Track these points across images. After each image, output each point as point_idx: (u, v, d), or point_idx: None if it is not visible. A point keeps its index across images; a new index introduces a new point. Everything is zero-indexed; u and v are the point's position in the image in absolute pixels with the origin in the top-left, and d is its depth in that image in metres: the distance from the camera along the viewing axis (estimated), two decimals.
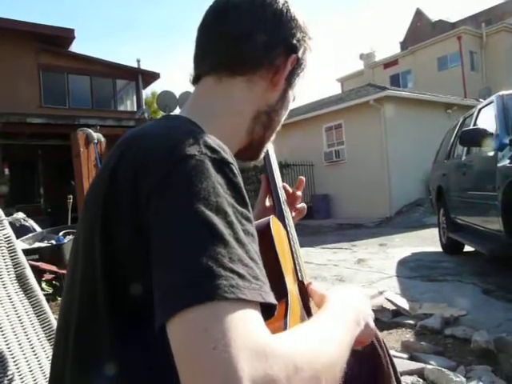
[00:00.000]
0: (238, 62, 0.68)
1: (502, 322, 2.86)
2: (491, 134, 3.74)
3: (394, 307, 3.09)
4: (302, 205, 0.98)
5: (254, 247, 0.47)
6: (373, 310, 0.79)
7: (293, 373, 0.38)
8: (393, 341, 2.55)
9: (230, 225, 0.45)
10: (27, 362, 0.77)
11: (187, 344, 0.38)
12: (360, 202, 11.42)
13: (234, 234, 0.45)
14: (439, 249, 5.71)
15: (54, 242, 4.52)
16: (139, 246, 0.49)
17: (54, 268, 3.88)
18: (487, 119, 4.20)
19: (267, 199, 0.96)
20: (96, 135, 6.25)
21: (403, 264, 5.07)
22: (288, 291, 0.61)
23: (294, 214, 0.95)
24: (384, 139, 11.15)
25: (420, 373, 2.01)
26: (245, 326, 0.38)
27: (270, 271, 0.50)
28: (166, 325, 0.40)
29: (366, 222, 10.37)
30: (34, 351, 0.79)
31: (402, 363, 2.06)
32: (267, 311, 0.43)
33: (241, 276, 0.41)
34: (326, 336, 0.47)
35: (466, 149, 4.72)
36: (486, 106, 4.45)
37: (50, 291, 3.72)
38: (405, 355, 2.28)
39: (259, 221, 0.69)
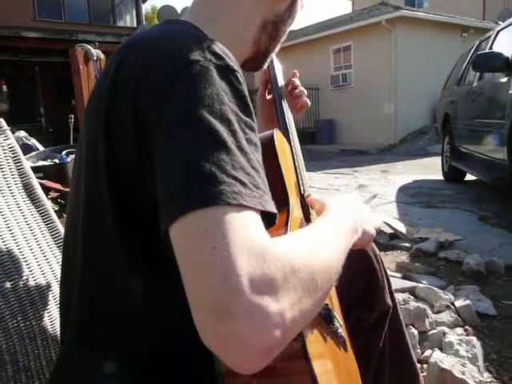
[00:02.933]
0: None
1: (494, 247, 2.96)
2: (507, 58, 3.58)
3: (391, 230, 3.18)
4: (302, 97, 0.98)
5: (256, 157, 0.46)
6: None
7: (290, 273, 0.39)
8: (388, 262, 2.66)
9: (233, 133, 0.45)
10: (39, 265, 0.81)
11: (188, 244, 0.39)
12: (365, 128, 11.29)
13: (237, 142, 0.45)
14: (441, 177, 5.75)
15: (57, 160, 4.55)
16: (142, 152, 0.49)
17: (58, 186, 3.94)
18: (505, 43, 4.00)
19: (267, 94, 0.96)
20: (95, 52, 6.02)
21: (403, 190, 5.13)
22: (290, 202, 0.62)
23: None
24: (394, 63, 10.73)
25: (412, 291, 2.11)
26: (245, 229, 0.39)
27: (273, 182, 0.50)
28: (169, 229, 0.41)
29: (369, 149, 10.33)
30: (44, 256, 0.83)
31: (396, 282, 2.15)
32: (267, 220, 0.44)
33: (243, 183, 0.42)
34: (324, 241, 0.49)
35: (478, 74, 4.55)
36: (505, 28, 4.22)
37: (56, 209, 3.82)
38: (398, 275, 2.39)
39: (263, 133, 0.68)
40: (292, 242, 0.45)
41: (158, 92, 0.47)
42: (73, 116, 6.65)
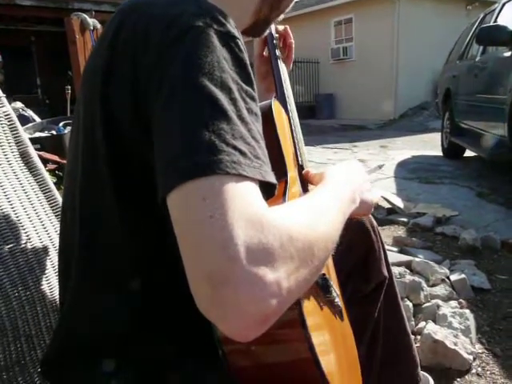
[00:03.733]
0: None
1: (490, 222, 2.99)
2: None
3: (389, 205, 3.20)
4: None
5: (256, 127, 0.46)
6: None
7: (287, 242, 0.39)
8: (385, 236, 2.68)
9: (233, 102, 0.44)
10: (37, 233, 0.81)
11: (185, 213, 0.39)
12: (365, 103, 11.18)
13: (238, 111, 0.44)
14: (440, 153, 5.74)
15: (54, 132, 4.51)
16: (140, 119, 0.48)
17: (56, 158, 3.91)
18: (510, 16, 3.92)
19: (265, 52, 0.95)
20: (91, 21, 5.87)
21: (402, 166, 5.13)
22: (288, 172, 0.62)
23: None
24: (396, 37, 10.55)
25: (408, 265, 2.13)
26: (242, 199, 0.39)
27: (271, 153, 0.49)
28: (167, 197, 0.41)
29: (369, 124, 10.26)
30: (42, 224, 0.83)
31: (392, 256, 2.18)
32: (267, 191, 0.44)
33: (242, 153, 0.41)
34: (321, 210, 0.49)
35: (481, 48, 4.48)
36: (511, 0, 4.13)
37: (54, 181, 3.80)
38: (395, 249, 2.41)
39: (261, 103, 0.67)
40: (289, 211, 0.45)
41: (157, 58, 0.46)
42: (70, 87, 6.55)
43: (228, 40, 0.47)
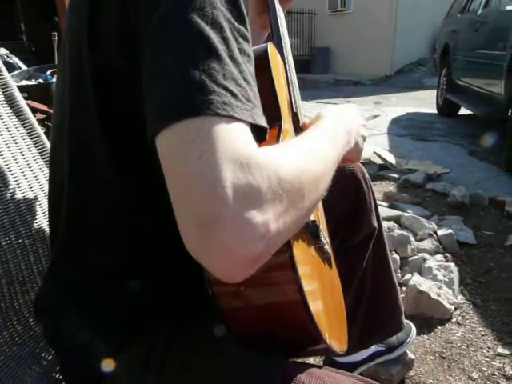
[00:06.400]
0: None
1: (480, 180, 3.02)
2: None
3: (381, 161, 3.20)
4: None
5: (249, 68, 0.44)
6: (360, 162, 0.80)
7: (275, 183, 0.38)
8: (376, 191, 2.66)
9: (225, 41, 0.42)
10: (26, 178, 0.80)
11: (174, 153, 0.38)
12: (361, 58, 10.93)
13: (229, 51, 0.42)
14: (434, 110, 5.69)
15: (41, 80, 4.36)
16: (129, 57, 0.46)
17: (45, 107, 3.81)
18: None
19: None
20: None
21: (396, 123, 5.09)
22: (282, 117, 0.60)
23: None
24: None
25: (397, 219, 2.17)
26: (232, 140, 0.38)
27: (265, 97, 0.48)
28: (155, 137, 0.40)
29: (364, 80, 10.09)
30: (31, 170, 0.82)
31: (382, 210, 2.19)
32: (258, 135, 0.42)
33: (233, 95, 0.40)
34: (314, 150, 0.48)
35: (483, 1, 4.34)
36: None
37: (44, 131, 3.71)
38: (385, 204, 2.44)
39: (256, 47, 0.64)
40: (280, 151, 0.44)
41: None
42: (56, 34, 6.30)
43: None
